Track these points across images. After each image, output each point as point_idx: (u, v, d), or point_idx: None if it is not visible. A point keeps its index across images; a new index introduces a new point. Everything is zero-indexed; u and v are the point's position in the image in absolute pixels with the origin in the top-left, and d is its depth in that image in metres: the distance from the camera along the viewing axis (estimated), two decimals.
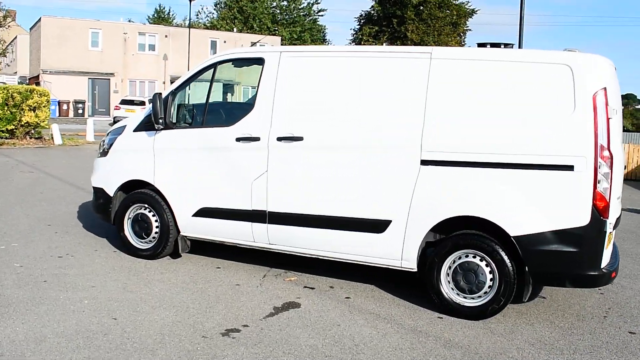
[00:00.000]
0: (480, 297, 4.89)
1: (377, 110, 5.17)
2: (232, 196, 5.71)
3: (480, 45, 5.39)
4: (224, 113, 6.19)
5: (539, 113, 4.70)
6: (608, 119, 4.58)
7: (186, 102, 6.13)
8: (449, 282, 4.99)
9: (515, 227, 4.71)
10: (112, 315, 4.63)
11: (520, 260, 4.74)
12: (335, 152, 5.29)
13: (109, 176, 6.43)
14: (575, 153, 4.57)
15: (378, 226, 5.16)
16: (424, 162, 4.97)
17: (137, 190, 6.24)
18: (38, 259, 6.02)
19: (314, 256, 5.60)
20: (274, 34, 54.85)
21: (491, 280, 4.86)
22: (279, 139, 5.45)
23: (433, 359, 4.14)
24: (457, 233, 4.96)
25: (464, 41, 54.12)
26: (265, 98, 5.57)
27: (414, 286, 5.56)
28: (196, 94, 7.03)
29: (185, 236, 6.09)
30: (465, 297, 4.94)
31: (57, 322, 4.43)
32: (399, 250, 5.13)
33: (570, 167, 4.59)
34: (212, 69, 5.88)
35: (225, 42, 44.59)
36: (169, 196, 6.01)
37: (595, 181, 4.54)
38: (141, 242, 6.24)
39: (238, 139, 5.63)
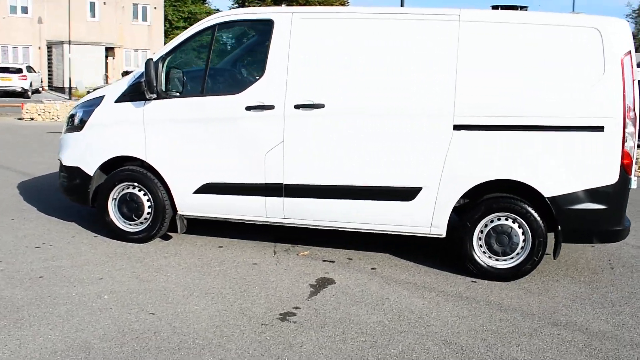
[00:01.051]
0: (512, 258, 4.97)
1: (405, 74, 4.97)
2: (241, 170, 5.28)
3: (494, 7, 5.36)
4: (227, 80, 5.66)
5: (570, 76, 4.78)
6: (633, 81, 4.75)
7: (178, 69, 5.50)
8: (480, 245, 5.01)
9: (549, 188, 4.80)
10: (146, 309, 4.13)
11: (552, 220, 4.86)
12: (360, 120, 5.04)
13: (87, 153, 5.69)
14: (605, 115, 4.71)
15: (407, 194, 5.04)
16: (457, 127, 4.89)
17: (123, 168, 5.59)
18: (14, 252, 5.23)
19: (332, 228, 5.38)
20: None
21: (523, 241, 4.94)
22: (297, 106, 5.10)
23: (499, 323, 4.15)
24: (489, 197, 4.97)
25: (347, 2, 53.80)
26: (277, 63, 5.15)
27: (425, 251, 5.56)
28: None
29: (183, 215, 5.58)
30: (497, 260, 4.99)
31: (90, 324, 3.86)
32: (429, 217, 5.05)
33: (601, 128, 4.73)
34: (211, 32, 5.33)
35: (105, 3, 41.36)
36: (164, 173, 5.45)
37: (624, 141, 4.73)
38: (130, 224, 5.63)
39: (248, 108, 5.19)
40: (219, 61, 5.54)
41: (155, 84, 5.20)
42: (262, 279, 4.82)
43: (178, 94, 5.37)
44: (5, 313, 3.95)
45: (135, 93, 5.47)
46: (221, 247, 5.65)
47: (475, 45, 4.88)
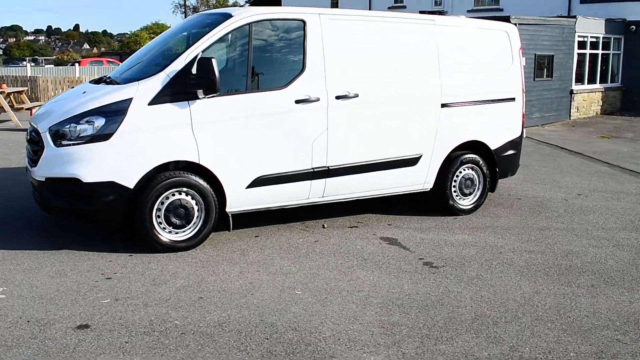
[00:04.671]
0: (474, 195, 6.95)
1: (410, 65, 6.28)
2: (290, 159, 5.72)
3: (422, 12, 7.05)
4: (269, 75, 5.70)
5: (497, 64, 6.93)
6: (522, 66, 7.23)
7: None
8: (455, 191, 6.82)
9: (492, 143, 6.94)
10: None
11: (493, 165, 7.03)
12: (383, 105, 6.14)
13: (125, 164, 5.04)
14: (516, 90, 7.07)
15: (413, 161, 6.44)
16: (443, 105, 6.51)
17: (169, 173, 5.22)
18: (120, 265, 4.50)
19: (359, 198, 6.34)
20: None
21: (479, 182, 6.97)
22: (338, 97, 5.83)
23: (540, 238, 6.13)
24: (461, 155, 6.76)
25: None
26: (315, 59, 5.72)
27: (403, 204, 7.10)
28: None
29: (231, 212, 5.61)
30: (464, 199, 6.90)
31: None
32: (424, 176, 6.59)
33: (513, 99, 7.08)
34: (248, 29, 5.45)
35: None
36: (218, 173, 5.38)
37: (523, 107, 7.20)
38: (178, 232, 5.35)
39: (297, 101, 5.64)
40: (258, 57, 5.59)
41: (217, 83, 5.11)
42: (348, 259, 5.37)
43: (228, 91, 5.35)
44: None
45: (176, 93, 5.18)
46: (257, 236, 5.91)
47: (447, 43, 6.54)
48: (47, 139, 5.15)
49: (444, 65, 6.51)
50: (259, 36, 5.55)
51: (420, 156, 6.48)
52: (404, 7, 28.79)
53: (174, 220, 5.30)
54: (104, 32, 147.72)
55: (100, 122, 5.04)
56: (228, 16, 5.52)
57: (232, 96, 5.40)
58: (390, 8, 29.01)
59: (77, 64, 27.83)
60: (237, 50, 5.47)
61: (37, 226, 6.10)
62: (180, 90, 5.18)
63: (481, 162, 6.90)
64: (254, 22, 5.52)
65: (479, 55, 6.82)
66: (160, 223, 5.27)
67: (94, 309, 4.13)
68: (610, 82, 20.60)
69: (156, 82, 5.18)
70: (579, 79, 18.71)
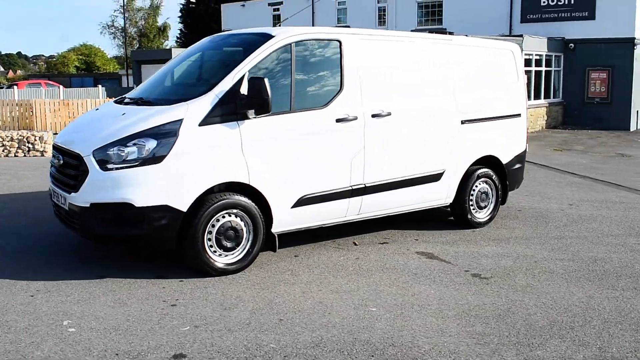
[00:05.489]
0: (488, 208, 7.22)
1: (434, 84, 6.49)
2: (332, 178, 5.76)
3: (430, 31, 7.32)
4: (309, 95, 5.69)
5: (504, 82, 7.27)
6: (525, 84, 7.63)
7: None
8: (472, 204, 7.06)
9: (504, 158, 7.25)
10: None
11: (504, 177, 7.33)
12: (411, 123, 6.30)
13: (177, 187, 4.91)
14: (521, 106, 7.44)
15: (437, 176, 6.63)
16: (463, 122, 6.76)
17: (219, 195, 5.13)
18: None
19: (388, 215, 6.44)
20: None
21: (492, 196, 7.25)
22: (373, 115, 5.95)
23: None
24: (477, 169, 7.01)
25: None
26: (351, 78, 5.82)
27: (425, 219, 7.26)
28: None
29: (276, 232, 5.57)
30: (479, 212, 7.14)
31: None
32: (447, 191, 6.79)
33: (519, 115, 7.44)
34: (289, 49, 5.48)
35: None
36: (267, 193, 5.34)
37: (526, 122, 7.58)
38: (227, 255, 5.25)
39: (338, 120, 5.70)
40: (299, 77, 5.59)
41: (270, 102, 5.10)
42: (415, 272, 5.55)
43: (276, 111, 5.34)
44: None
45: (225, 113, 5.12)
46: (296, 256, 5.89)
47: (464, 62, 6.81)
48: (91, 162, 4.96)
49: (462, 83, 6.76)
50: (299, 56, 5.59)
51: (444, 172, 6.67)
52: (348, 26, 29.49)
53: (224, 243, 5.20)
54: (19, 53, 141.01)
55: (151, 144, 4.90)
56: (268, 36, 5.53)
57: (278, 116, 5.38)
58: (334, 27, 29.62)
59: (14, 87, 26.49)
60: (280, 70, 5.47)
61: (70, 252, 5.85)
62: (231, 110, 5.14)
63: (494, 176, 7.18)
64: (295, 42, 5.56)
65: (490, 73, 7.14)
66: (212, 246, 5.16)
67: (179, 337, 3.99)
68: (553, 98, 21.88)
69: (205, 103, 5.10)
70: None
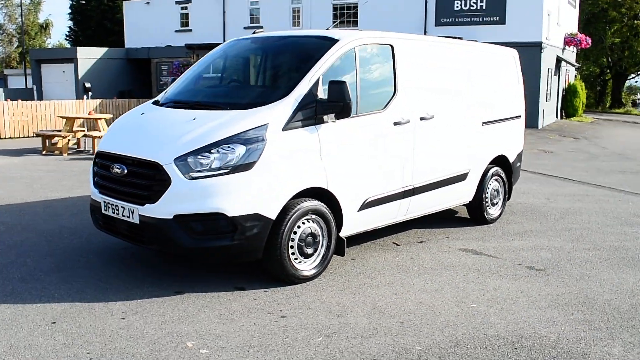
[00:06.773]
0: (498, 204, 7.66)
1: (462, 87, 6.80)
2: (389, 180, 5.87)
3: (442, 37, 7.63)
4: (369, 98, 5.66)
5: (508, 85, 7.75)
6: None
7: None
8: (486, 202, 7.46)
9: (511, 156, 7.73)
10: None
11: (510, 175, 7.82)
12: (448, 125, 6.56)
13: (267, 194, 4.76)
14: (521, 108, 7.97)
15: (464, 176, 6.96)
16: (484, 123, 7.13)
17: (300, 201, 5.04)
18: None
19: (424, 215, 6.65)
20: None
21: (501, 193, 7.70)
22: (421, 118, 6.13)
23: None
24: (490, 168, 7.41)
25: None
26: (403, 82, 5.95)
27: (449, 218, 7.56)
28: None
29: (345, 236, 5.56)
30: (492, 208, 7.57)
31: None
32: (470, 190, 7.14)
33: (519, 116, 7.97)
34: (353, 53, 5.49)
35: None
36: (341, 197, 5.34)
37: (524, 122, 8.13)
38: (306, 262, 5.19)
39: (395, 123, 5.81)
40: (362, 80, 5.57)
41: (351, 106, 5.11)
42: (472, 270, 5.84)
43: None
44: None
45: (306, 118, 5.06)
46: (353, 259, 5.92)
47: (481, 66, 7.19)
48: (173, 171, 4.68)
49: (481, 86, 7.13)
50: (361, 60, 5.62)
51: (469, 171, 7.00)
52: (261, 27, 29.34)
53: (305, 249, 5.14)
54: None
55: (240, 150, 4.73)
56: (333, 40, 5.51)
57: (348, 119, 5.39)
58: (247, 28, 29.34)
59: None
60: (347, 73, 5.47)
61: (114, 268, 5.43)
62: (310, 114, 5.08)
63: (503, 174, 7.64)
64: (357, 46, 5.59)
65: (500, 76, 7.58)
66: (293, 254, 5.07)
67: (321, 349, 3.92)
68: None
69: (286, 107, 5.00)
70: None
